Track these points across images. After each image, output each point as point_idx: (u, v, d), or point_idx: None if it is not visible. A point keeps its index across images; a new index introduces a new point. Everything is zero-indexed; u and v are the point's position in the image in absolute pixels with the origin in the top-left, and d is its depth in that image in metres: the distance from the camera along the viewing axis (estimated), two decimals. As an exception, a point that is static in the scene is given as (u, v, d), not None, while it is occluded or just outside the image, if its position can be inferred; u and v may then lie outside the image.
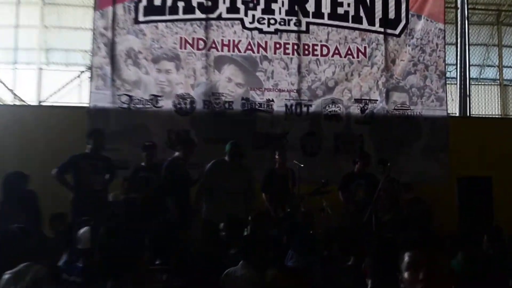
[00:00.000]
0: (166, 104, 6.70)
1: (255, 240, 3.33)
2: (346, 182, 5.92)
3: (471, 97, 8.11)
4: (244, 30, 6.81)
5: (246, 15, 6.80)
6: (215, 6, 6.73)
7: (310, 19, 6.90)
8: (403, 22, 7.11)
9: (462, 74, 7.90)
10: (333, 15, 6.93)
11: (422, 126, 7.22)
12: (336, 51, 6.98)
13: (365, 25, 7.01)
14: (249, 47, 6.83)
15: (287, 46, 6.90)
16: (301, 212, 5.53)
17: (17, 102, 7.08)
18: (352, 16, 6.98)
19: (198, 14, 6.72)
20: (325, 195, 5.84)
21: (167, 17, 6.67)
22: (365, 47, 7.04)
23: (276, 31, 6.86)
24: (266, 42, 6.86)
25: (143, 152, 5.61)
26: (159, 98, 6.68)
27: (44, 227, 4.74)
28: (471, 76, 8.35)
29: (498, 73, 9.51)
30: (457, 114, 7.79)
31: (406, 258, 1.55)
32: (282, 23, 6.86)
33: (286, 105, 6.95)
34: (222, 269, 3.10)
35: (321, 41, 6.96)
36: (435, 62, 7.21)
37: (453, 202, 6.47)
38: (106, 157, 5.46)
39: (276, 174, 5.72)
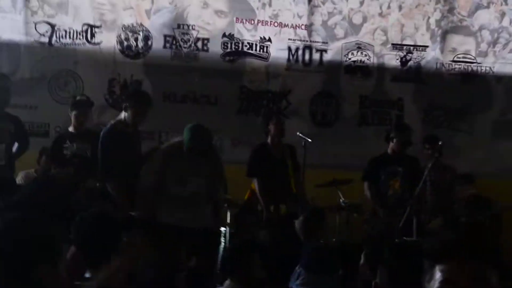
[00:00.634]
0: (107, 39, 7.09)
1: (240, 251, 3.50)
2: (375, 169, 6.17)
3: None
4: None
5: None
6: None
7: None
8: None
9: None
10: None
11: (494, 89, 7.66)
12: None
13: None
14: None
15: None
16: (310, 209, 5.54)
17: None
18: None
19: None
20: (342, 186, 6.23)
21: None
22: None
23: None
24: None
25: (72, 112, 5.83)
26: (96, 30, 7.05)
27: None
28: None
29: None
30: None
31: (438, 273, 1.58)
32: None
33: (289, 48, 7.36)
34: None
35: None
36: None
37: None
38: (14, 117, 5.83)
39: (270, 152, 5.97)
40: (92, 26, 6.99)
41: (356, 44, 7.45)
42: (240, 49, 7.24)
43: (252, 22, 7.27)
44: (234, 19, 7.27)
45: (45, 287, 1.88)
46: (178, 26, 7.11)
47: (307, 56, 7.36)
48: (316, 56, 7.38)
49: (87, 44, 6.99)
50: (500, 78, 7.59)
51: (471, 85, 7.59)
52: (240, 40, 7.24)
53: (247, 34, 7.28)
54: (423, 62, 7.53)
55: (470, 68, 7.59)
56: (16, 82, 6.53)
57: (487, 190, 6.40)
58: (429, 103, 7.54)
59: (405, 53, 7.48)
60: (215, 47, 7.16)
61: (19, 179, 5.93)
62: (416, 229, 5.76)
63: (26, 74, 6.92)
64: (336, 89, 7.43)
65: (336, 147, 7.14)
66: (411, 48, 7.51)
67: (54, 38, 6.95)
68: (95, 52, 7.01)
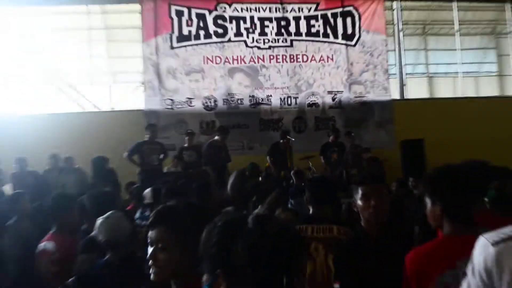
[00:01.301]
0: (197, 103, 10.46)
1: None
2: (324, 149, 8.81)
3: (407, 86, 11.88)
4: (247, 48, 10.92)
5: (247, 37, 10.97)
6: (225, 32, 10.97)
7: (293, 37, 11.12)
8: (357, 35, 11.19)
9: (400, 70, 11.69)
10: (308, 33, 11.20)
11: (374, 108, 10.92)
12: (313, 58, 11.02)
13: (331, 39, 11.16)
14: (252, 60, 10.83)
15: (278, 57, 10.95)
16: (295, 171, 7.36)
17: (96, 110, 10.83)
18: (322, 33, 11.17)
19: (214, 39, 10.91)
20: (310, 159, 8.99)
21: (193, 42, 10.77)
22: (332, 55, 11.10)
23: (270, 47, 11.01)
24: (263, 55, 10.89)
25: (185, 137, 8.57)
26: (192, 100, 10.49)
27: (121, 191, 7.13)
28: (406, 72, 12.06)
29: (426, 68, 13.06)
30: (398, 98, 11.57)
31: (360, 191, 2.07)
32: (273, 41, 11.08)
33: (280, 99, 10.75)
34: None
35: (301, 52, 11.02)
36: (381, 63, 11.20)
37: (397, 157, 10.33)
38: (159, 143, 8.14)
39: (279, 147, 8.66)
40: (190, 98, 10.41)
41: (311, 92, 10.80)
42: (257, 102, 10.57)
43: (262, 88, 10.69)
44: (253, 88, 10.70)
45: None
46: (228, 94, 10.64)
47: (289, 101, 10.66)
48: (293, 100, 10.65)
49: (188, 106, 10.34)
50: (377, 102, 10.84)
51: (364, 107, 10.79)
52: (257, 97, 10.58)
53: (260, 94, 10.64)
54: (342, 99, 10.82)
55: (362, 100, 10.88)
56: (159, 127, 8.69)
57: (376, 154, 9.20)
58: (346, 117, 10.72)
59: (333, 95, 10.84)
60: (246, 102, 10.56)
61: (164, 170, 7.91)
62: (345, 175, 8.36)
63: (165, 122, 9.72)
64: (304, 115, 10.63)
65: (306, 142, 9.86)
66: (336, 92, 10.82)
67: (173, 105, 10.17)
68: (192, 110, 10.29)
